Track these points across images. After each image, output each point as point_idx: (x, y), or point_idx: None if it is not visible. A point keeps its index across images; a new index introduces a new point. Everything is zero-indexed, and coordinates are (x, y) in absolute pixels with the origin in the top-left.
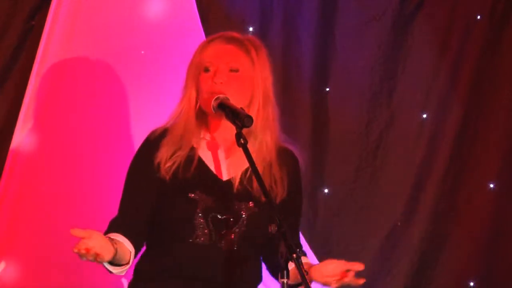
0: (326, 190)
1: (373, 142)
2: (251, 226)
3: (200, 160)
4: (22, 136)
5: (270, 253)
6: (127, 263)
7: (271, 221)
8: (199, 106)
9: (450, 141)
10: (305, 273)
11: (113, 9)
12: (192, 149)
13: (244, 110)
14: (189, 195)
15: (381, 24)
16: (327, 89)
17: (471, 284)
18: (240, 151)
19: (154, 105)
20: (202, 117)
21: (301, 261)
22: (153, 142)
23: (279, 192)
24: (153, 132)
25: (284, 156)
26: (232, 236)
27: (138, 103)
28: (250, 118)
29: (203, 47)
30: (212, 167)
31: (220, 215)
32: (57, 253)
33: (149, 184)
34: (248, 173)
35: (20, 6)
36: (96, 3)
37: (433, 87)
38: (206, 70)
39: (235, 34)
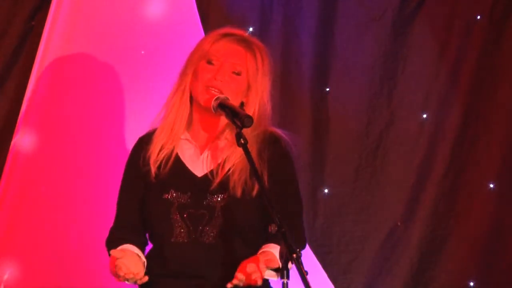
0: (326, 190)
1: (373, 142)
2: (226, 216)
3: (177, 158)
4: (22, 136)
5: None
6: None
7: (271, 221)
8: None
9: (450, 141)
10: (305, 273)
11: (113, 9)
12: (173, 149)
13: (244, 110)
14: (164, 195)
15: (381, 24)
16: (327, 89)
17: (471, 284)
18: (216, 145)
19: (154, 105)
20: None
21: (301, 261)
22: (144, 140)
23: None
24: (144, 135)
25: (266, 143)
26: (212, 230)
27: (138, 103)
28: (250, 118)
29: (213, 40)
30: (188, 164)
31: (195, 211)
32: (57, 253)
33: (141, 182)
34: (223, 166)
35: (20, 6)
36: (96, 3)
37: (433, 87)
38: (209, 62)
39: (244, 35)
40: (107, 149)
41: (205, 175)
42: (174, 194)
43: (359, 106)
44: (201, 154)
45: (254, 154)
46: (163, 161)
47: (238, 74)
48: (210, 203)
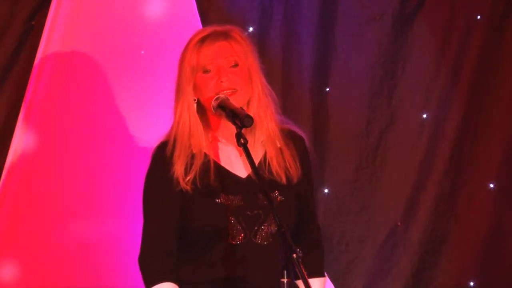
0: (326, 190)
1: (373, 142)
2: (280, 215)
3: (216, 164)
4: (22, 136)
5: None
6: None
7: (272, 221)
8: (203, 108)
9: (450, 141)
10: (305, 273)
11: (113, 9)
12: (206, 156)
13: (244, 110)
14: (216, 200)
15: (381, 24)
16: (327, 89)
17: (471, 284)
18: (250, 145)
19: (155, 105)
20: (202, 118)
21: (301, 261)
22: (164, 158)
23: (295, 173)
24: (158, 148)
25: (290, 138)
26: (266, 229)
27: (138, 103)
28: (250, 118)
29: (196, 48)
30: (229, 168)
31: (250, 212)
32: (57, 253)
33: (172, 201)
34: (267, 163)
35: (20, 6)
36: (96, 3)
37: (433, 87)
38: (207, 71)
39: (219, 28)
40: (107, 149)
41: (249, 176)
42: (226, 198)
43: (359, 106)
44: (240, 156)
45: (284, 147)
46: (199, 172)
47: (236, 65)
48: (264, 203)
